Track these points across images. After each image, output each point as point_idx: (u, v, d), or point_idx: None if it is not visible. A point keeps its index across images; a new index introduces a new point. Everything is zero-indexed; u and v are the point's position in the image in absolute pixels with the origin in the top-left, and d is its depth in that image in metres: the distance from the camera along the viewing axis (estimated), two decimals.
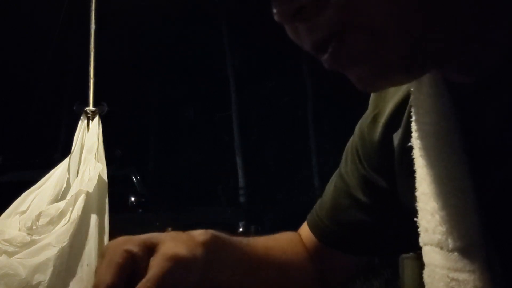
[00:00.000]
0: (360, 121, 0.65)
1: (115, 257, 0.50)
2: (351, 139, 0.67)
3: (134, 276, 0.50)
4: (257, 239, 0.67)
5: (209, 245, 0.55)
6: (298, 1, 0.40)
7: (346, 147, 0.68)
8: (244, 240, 0.63)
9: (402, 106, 0.56)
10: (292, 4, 0.40)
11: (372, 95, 0.62)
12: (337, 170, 0.70)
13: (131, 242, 0.51)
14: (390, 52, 0.41)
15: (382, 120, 0.59)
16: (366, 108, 0.64)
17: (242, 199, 12.96)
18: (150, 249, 0.51)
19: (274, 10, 0.41)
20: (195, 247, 0.53)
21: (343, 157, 0.69)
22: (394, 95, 0.58)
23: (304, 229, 0.73)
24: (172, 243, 0.52)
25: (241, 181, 13.14)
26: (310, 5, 0.40)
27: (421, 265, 0.51)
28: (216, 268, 0.55)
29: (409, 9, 0.39)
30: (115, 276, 0.49)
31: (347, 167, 0.67)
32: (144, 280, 0.48)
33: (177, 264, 0.50)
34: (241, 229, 7.42)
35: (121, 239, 0.52)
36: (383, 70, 0.42)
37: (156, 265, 0.50)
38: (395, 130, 0.57)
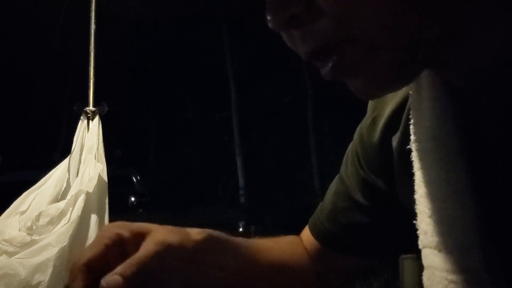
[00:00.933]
0: (359, 125, 0.65)
1: (104, 238, 0.51)
2: (351, 142, 0.68)
3: (123, 259, 0.50)
4: (256, 240, 0.67)
5: (201, 244, 0.55)
6: (290, 10, 0.41)
7: (347, 150, 0.69)
8: (242, 241, 0.63)
9: (401, 109, 0.56)
10: (285, 13, 0.41)
11: None
12: (338, 174, 0.71)
13: (124, 227, 0.53)
14: (383, 62, 0.41)
15: (381, 122, 0.60)
16: (366, 108, 0.64)
17: (242, 199, 12.97)
18: (141, 235, 0.52)
19: (268, 18, 0.42)
20: (186, 240, 0.54)
21: (344, 160, 0.69)
22: (392, 98, 0.58)
23: (305, 233, 0.73)
24: (164, 231, 0.53)
25: (241, 181, 13.14)
26: (302, 14, 0.41)
27: (420, 266, 0.51)
28: (208, 267, 0.55)
29: (404, 19, 0.39)
30: (98, 253, 0.50)
31: (347, 170, 0.68)
32: (129, 259, 0.49)
33: (165, 249, 0.51)
34: (241, 229, 7.41)
35: (117, 223, 0.54)
36: (377, 80, 0.43)
37: (143, 248, 0.50)
38: (394, 132, 0.57)
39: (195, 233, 0.56)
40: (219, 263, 0.56)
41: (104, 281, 0.47)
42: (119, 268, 0.48)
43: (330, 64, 0.42)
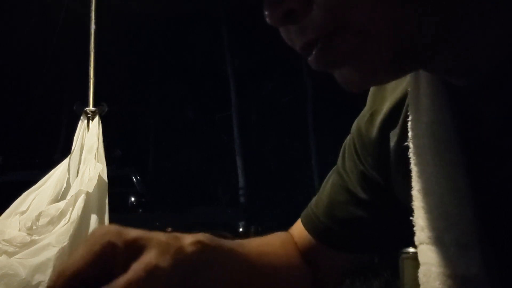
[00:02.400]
0: (357, 119, 0.65)
1: (95, 246, 0.47)
2: (348, 136, 0.67)
3: (109, 269, 0.47)
4: (251, 244, 0.64)
5: (195, 262, 0.51)
6: (287, 4, 0.41)
7: (343, 144, 0.68)
8: (235, 247, 0.59)
9: (400, 105, 0.56)
10: (282, 7, 0.41)
11: (370, 93, 0.62)
12: (334, 168, 0.69)
13: (119, 235, 0.49)
14: (376, 53, 0.41)
15: (379, 118, 0.59)
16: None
17: (242, 199, 12.98)
18: (135, 248, 0.48)
19: (265, 13, 0.42)
20: (179, 260, 0.50)
21: (340, 154, 0.68)
22: (391, 94, 0.58)
23: (298, 229, 0.71)
24: (158, 251, 0.48)
25: (241, 181, 13.16)
26: (299, 8, 0.41)
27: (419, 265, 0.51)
28: (200, 283, 0.52)
29: (398, 12, 0.40)
30: (87, 263, 0.47)
31: (344, 164, 0.67)
32: (114, 284, 0.45)
33: (156, 275, 0.47)
34: (241, 229, 7.42)
35: (112, 228, 0.50)
36: (369, 71, 0.43)
37: (133, 270, 0.46)
38: (392, 128, 0.57)
39: (189, 247, 0.52)
40: (213, 276, 0.53)
41: None
42: None
43: (315, 50, 0.42)
